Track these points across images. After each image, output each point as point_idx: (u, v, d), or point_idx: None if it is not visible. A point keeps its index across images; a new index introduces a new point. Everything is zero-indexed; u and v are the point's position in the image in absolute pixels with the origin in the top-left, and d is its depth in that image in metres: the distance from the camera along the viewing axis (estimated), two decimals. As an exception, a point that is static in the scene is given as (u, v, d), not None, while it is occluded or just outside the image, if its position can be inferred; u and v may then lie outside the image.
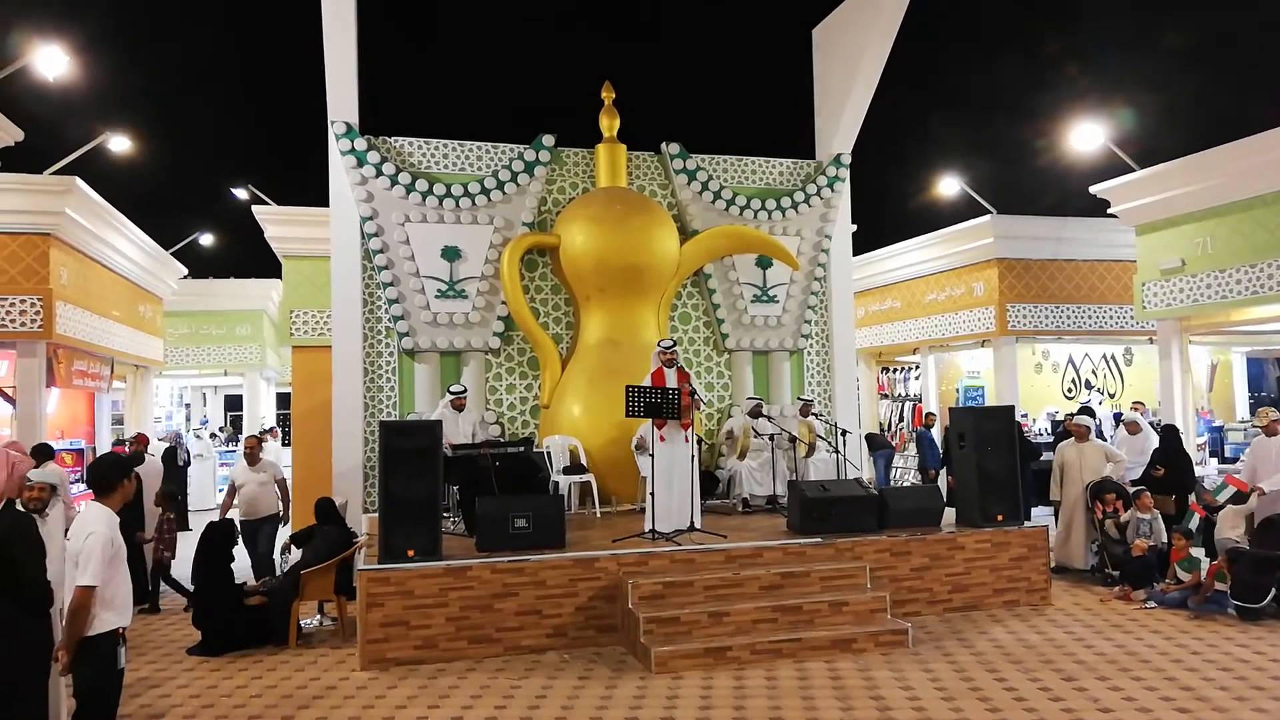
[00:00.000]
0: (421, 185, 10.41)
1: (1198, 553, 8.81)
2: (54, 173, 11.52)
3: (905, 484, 15.38)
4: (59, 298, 11.05)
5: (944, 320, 16.20)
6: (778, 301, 11.58)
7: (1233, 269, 11.49)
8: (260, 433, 18.16)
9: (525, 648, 7.07)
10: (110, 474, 4.44)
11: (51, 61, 10.78)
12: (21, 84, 11.30)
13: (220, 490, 17.59)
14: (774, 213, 11.56)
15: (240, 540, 8.47)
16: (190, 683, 6.61)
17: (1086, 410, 13.26)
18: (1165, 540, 8.76)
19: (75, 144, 12.41)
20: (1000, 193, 17.25)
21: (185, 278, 17.22)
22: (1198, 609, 7.85)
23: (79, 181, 11.13)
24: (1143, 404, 13.22)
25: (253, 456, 9.35)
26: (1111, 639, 7.18)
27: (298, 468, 12.72)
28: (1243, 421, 15.20)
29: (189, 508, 14.60)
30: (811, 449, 10.42)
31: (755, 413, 10.48)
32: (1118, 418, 12.90)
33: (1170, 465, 10.05)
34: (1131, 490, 9.43)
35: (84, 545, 4.11)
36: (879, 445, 16.05)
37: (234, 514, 9.11)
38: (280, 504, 9.45)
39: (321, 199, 10.89)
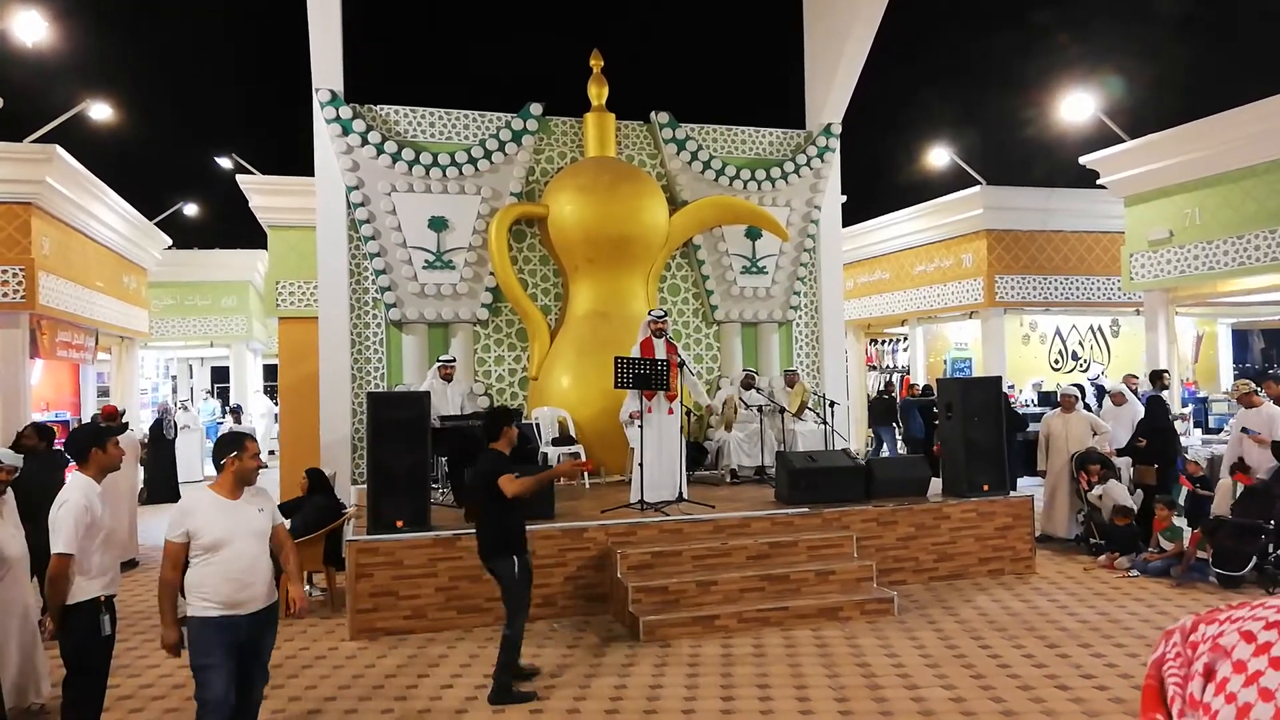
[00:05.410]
0: (408, 154, 10.30)
1: (1180, 523, 8.90)
2: (34, 141, 11.35)
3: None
4: (41, 268, 10.92)
5: (932, 292, 16.22)
6: (767, 273, 11.55)
7: (1220, 240, 11.52)
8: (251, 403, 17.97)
9: (514, 617, 7.09)
10: (78, 443, 4.50)
11: (30, 27, 10.59)
12: (-1, 50, 11.11)
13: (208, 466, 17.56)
14: (763, 183, 11.50)
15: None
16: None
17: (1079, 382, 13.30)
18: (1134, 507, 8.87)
19: (55, 111, 12.20)
20: (990, 163, 17.20)
21: (169, 248, 17.07)
22: (1180, 578, 7.95)
23: (60, 150, 10.97)
24: (1136, 377, 13.27)
25: None
26: (1095, 607, 7.27)
27: (286, 439, 12.69)
28: (1226, 392, 15.31)
29: (177, 479, 14.56)
30: (803, 406, 10.39)
31: (747, 384, 10.51)
32: (1100, 390, 12.97)
33: (1154, 436, 10.13)
34: (1116, 460, 9.50)
35: (57, 515, 4.16)
36: (877, 419, 15.73)
37: None
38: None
39: (307, 168, 10.78)
